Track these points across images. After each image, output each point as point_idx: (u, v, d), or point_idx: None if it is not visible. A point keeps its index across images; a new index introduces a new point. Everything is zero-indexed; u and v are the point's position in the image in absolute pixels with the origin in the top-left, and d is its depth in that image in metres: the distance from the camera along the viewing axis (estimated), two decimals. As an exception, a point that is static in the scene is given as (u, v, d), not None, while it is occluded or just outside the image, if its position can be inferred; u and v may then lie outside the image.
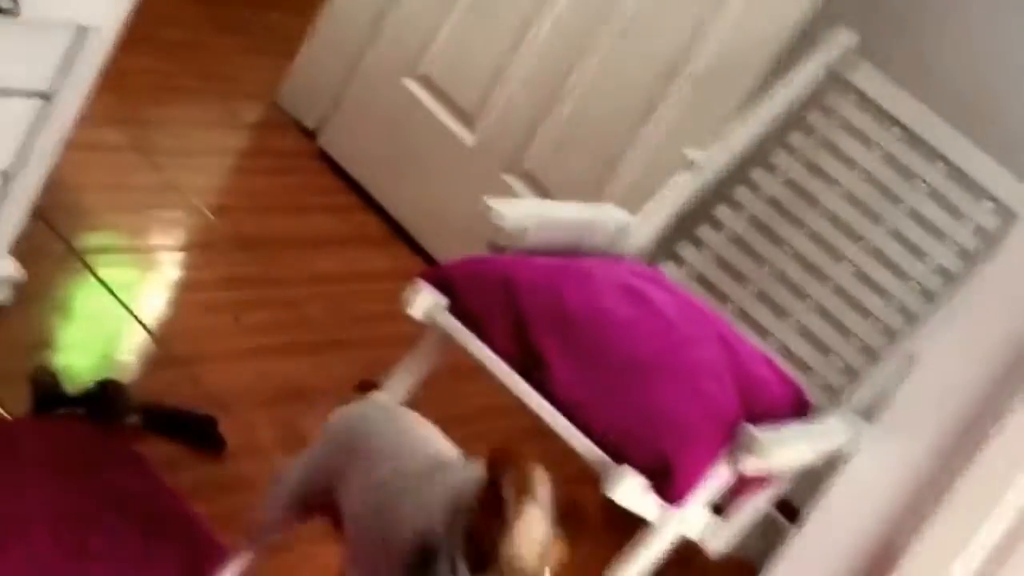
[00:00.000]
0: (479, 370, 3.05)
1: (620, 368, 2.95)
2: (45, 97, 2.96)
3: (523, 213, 3.25)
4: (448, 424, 3.64)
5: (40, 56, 2.90)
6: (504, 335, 3.01)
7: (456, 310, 3.06)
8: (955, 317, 3.03)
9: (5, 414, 3.00)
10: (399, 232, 4.42)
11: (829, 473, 3.12)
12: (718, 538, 3.19)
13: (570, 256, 3.24)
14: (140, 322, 3.48)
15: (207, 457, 3.17)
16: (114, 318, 3.47)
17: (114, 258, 3.69)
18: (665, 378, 2.96)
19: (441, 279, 3.09)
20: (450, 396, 3.71)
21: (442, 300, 3.07)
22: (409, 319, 3.16)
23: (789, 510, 3.43)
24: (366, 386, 2.77)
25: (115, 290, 3.54)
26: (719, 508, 3.20)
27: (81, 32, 2.90)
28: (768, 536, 3.34)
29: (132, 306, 3.52)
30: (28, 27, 2.80)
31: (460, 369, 3.31)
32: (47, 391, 3.07)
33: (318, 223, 4.31)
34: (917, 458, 2.98)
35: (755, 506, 3.22)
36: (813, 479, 3.13)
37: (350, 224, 4.39)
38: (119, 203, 3.91)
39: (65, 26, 2.88)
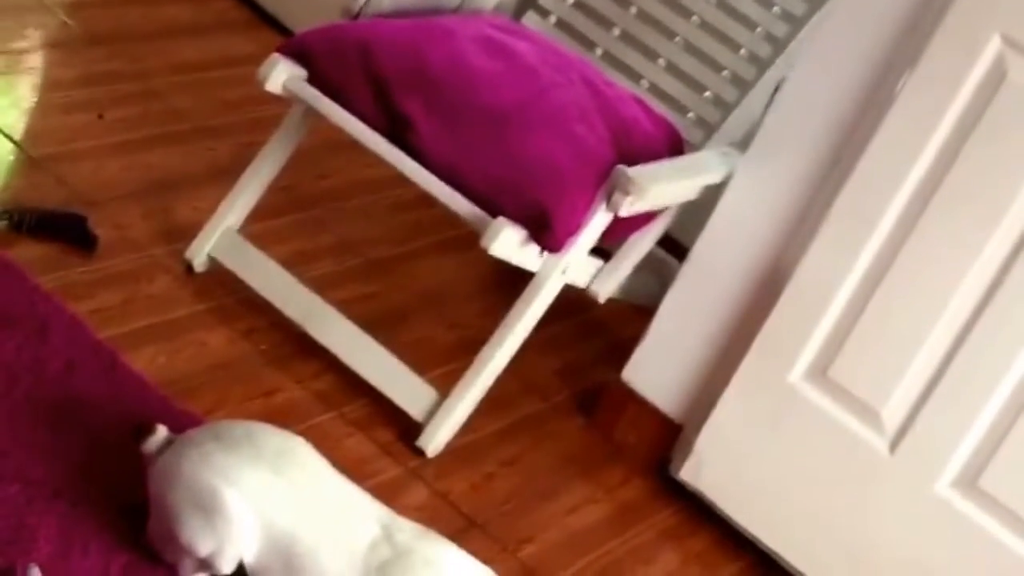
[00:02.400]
0: (352, 145, 3.01)
1: (486, 121, 2.91)
2: None
3: (374, -25, 3.18)
4: (324, 200, 3.63)
5: None
6: (366, 101, 2.96)
7: (316, 80, 3.01)
8: (816, 36, 3.01)
9: None
10: (262, 16, 4.33)
11: (711, 208, 3.14)
12: (605, 283, 3.20)
13: (428, 15, 3.18)
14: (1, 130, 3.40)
15: (80, 256, 3.12)
16: (-27, 128, 3.40)
17: (-33, 67, 3.60)
18: (532, 126, 2.93)
19: (298, 51, 3.03)
20: (325, 172, 3.69)
21: (300, 71, 3.01)
22: (279, 101, 3.12)
23: (676, 247, 3.44)
24: (144, 430, 2.47)
25: (-29, 99, 3.46)
26: (604, 252, 3.20)
27: None
28: (658, 276, 3.36)
29: (-9, 114, 3.44)
30: None
31: (334, 145, 3.28)
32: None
33: (177, 13, 4.21)
34: (792, 179, 3.01)
35: (639, 247, 3.23)
36: (700, 217, 3.15)
37: (211, 11, 4.29)
38: (-36, 10, 3.81)
39: None
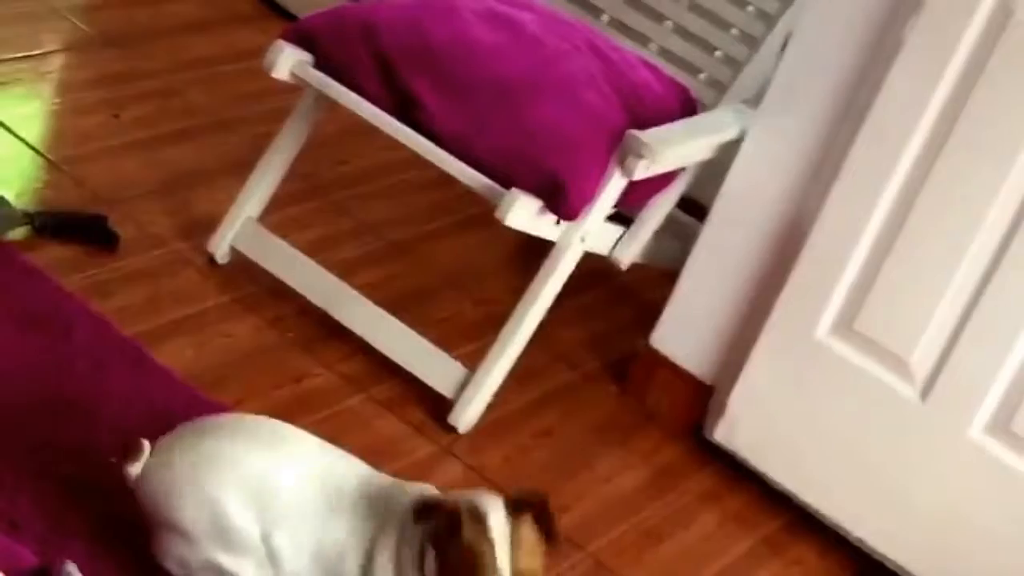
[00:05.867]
0: (368, 129, 3.01)
1: (494, 93, 2.92)
2: None
3: (376, -43, 3.18)
4: (344, 185, 3.64)
5: None
6: (373, 80, 2.97)
7: (322, 64, 3.02)
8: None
9: None
10: (271, 6, 4.34)
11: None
12: (627, 249, 3.20)
13: (432, -7, 3.19)
14: (15, 134, 3.42)
15: (103, 255, 3.14)
16: (-9, 136, 3.42)
17: (-18, 75, 3.63)
18: (541, 95, 2.93)
19: (303, 35, 3.04)
20: (343, 158, 3.70)
21: (305, 56, 3.02)
22: (292, 90, 3.13)
23: (699, 211, 3.43)
24: (132, 448, 2.35)
25: (-12, 107, 3.48)
26: (625, 219, 3.20)
27: None
28: (681, 239, 3.36)
29: (6, 119, 3.45)
30: None
31: (351, 131, 3.29)
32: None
33: (186, 9, 4.23)
34: (806, 132, 3.00)
35: (658, 211, 3.23)
36: (719, 177, 3.14)
37: (219, 5, 4.30)
38: (-26, 17, 3.83)
39: None
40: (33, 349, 2.78)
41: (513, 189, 2.82)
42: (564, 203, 2.85)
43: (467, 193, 2.96)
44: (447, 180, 2.97)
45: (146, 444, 2.34)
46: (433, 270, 3.50)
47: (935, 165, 2.81)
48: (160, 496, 2.32)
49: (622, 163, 2.87)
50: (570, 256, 2.98)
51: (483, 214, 3.01)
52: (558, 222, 2.91)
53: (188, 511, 2.30)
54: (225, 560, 2.31)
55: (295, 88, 3.12)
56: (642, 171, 2.88)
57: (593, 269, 3.16)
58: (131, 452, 2.34)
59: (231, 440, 2.35)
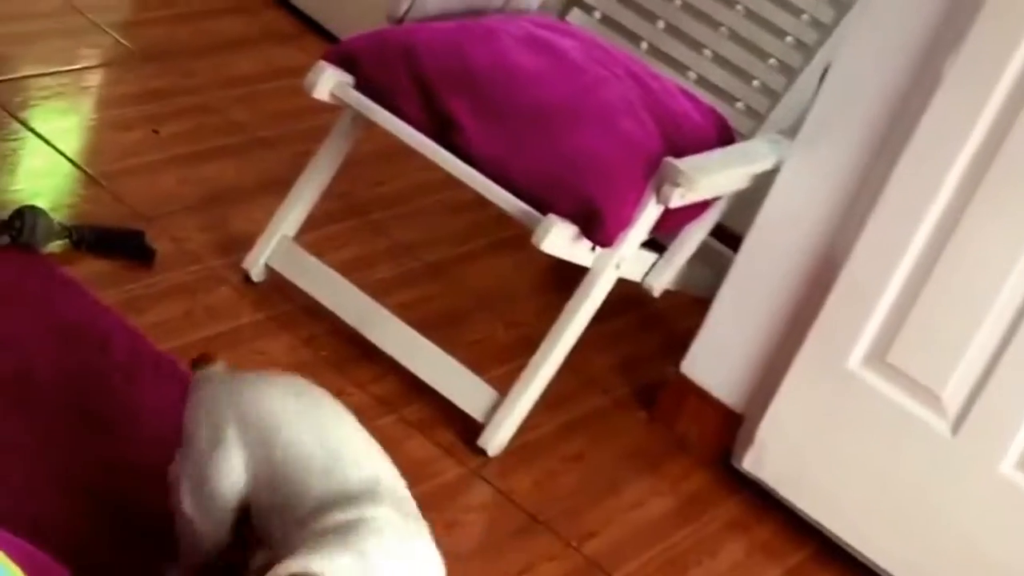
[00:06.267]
0: (405, 150, 3.03)
1: (533, 118, 2.93)
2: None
3: (416, -20, 3.21)
4: (379, 206, 3.65)
5: None
6: (413, 103, 2.98)
7: (362, 85, 3.03)
8: (863, 17, 2.99)
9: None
10: (312, 25, 4.36)
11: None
12: (659, 276, 3.21)
13: (472, 17, 3.20)
14: (56, 148, 3.44)
15: (139, 270, 3.16)
16: (31, 146, 3.43)
17: (23, 87, 3.63)
18: (580, 121, 2.94)
19: (344, 57, 3.06)
20: (380, 178, 3.71)
21: (346, 78, 3.04)
22: (332, 109, 3.15)
23: (732, 239, 3.44)
24: (204, 360, 2.42)
25: (26, 119, 3.49)
26: (658, 246, 3.21)
27: None
28: (714, 267, 3.36)
29: (47, 132, 3.48)
30: None
31: (387, 151, 3.30)
32: (-35, 226, 3.05)
33: (227, 26, 4.25)
34: (843, 164, 3.00)
35: (692, 238, 3.24)
36: (754, 205, 3.15)
37: (260, 23, 4.32)
38: (21, 32, 3.85)
39: None
40: (69, 361, 2.81)
41: (550, 215, 2.83)
42: (600, 230, 2.86)
43: (501, 215, 2.97)
44: (481, 202, 2.98)
45: (220, 361, 2.40)
46: (466, 292, 3.51)
47: (973, 198, 2.81)
48: (191, 404, 2.36)
49: (658, 191, 2.88)
50: (604, 282, 2.99)
51: (517, 236, 3.02)
52: (593, 248, 2.92)
53: (199, 427, 2.31)
54: (200, 492, 2.29)
55: (333, 107, 3.14)
56: (678, 199, 2.89)
57: (624, 294, 3.17)
58: (203, 360, 2.41)
59: (277, 389, 2.35)
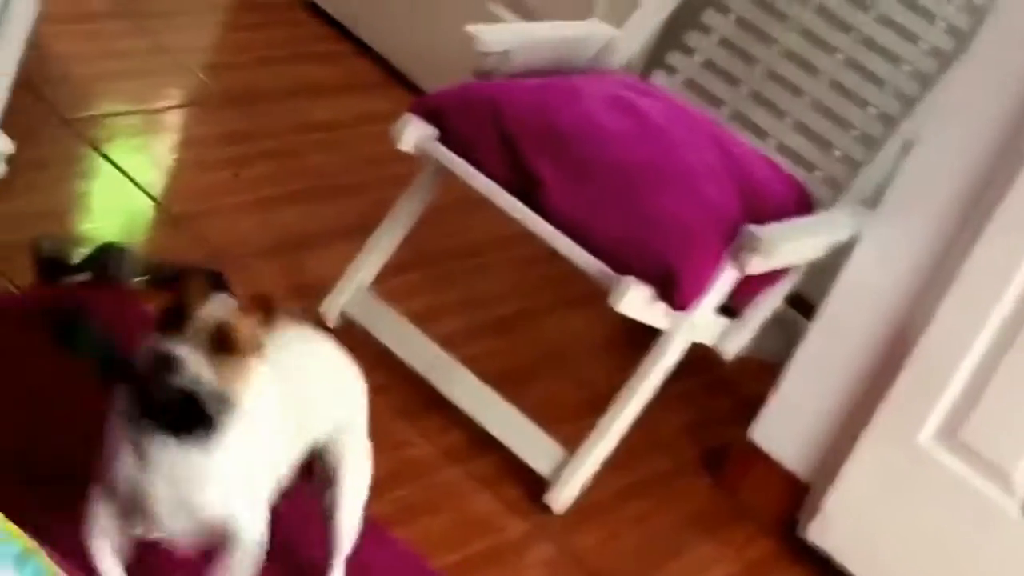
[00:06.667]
0: (481, 202, 3.05)
1: (615, 179, 2.94)
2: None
3: (505, 36, 3.23)
4: (453, 257, 3.67)
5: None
6: (496, 159, 3.00)
7: (447, 139, 3.05)
8: (949, 94, 3.00)
9: (11, 287, 3.01)
10: (394, 74, 4.39)
11: (840, 266, 3.14)
12: (732, 341, 3.20)
13: (557, 75, 3.22)
14: (138, 185, 3.48)
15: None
16: (113, 183, 3.47)
17: (108, 124, 3.68)
18: (661, 184, 2.95)
19: (430, 110, 3.08)
20: (454, 229, 3.73)
21: (431, 131, 3.06)
22: (409, 159, 3.17)
23: (805, 306, 3.44)
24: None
25: (111, 155, 3.54)
26: (731, 311, 3.21)
27: None
28: (786, 334, 3.36)
29: (130, 170, 3.52)
30: None
31: (463, 202, 3.32)
32: (50, 260, 3.07)
33: (312, 72, 4.29)
34: (922, 238, 2.99)
35: (766, 305, 3.23)
36: (828, 274, 3.15)
37: (344, 71, 4.36)
38: (109, 70, 3.90)
39: None
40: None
41: (627, 276, 2.83)
42: (677, 293, 2.86)
43: (574, 272, 2.97)
44: (554, 257, 2.99)
45: None
46: (537, 347, 3.51)
47: (1053, 278, 2.81)
48: None
49: (736, 257, 2.88)
50: (677, 346, 2.99)
51: (589, 293, 3.02)
52: (669, 311, 2.92)
53: None
54: None
55: (413, 156, 3.15)
56: (755, 266, 2.89)
57: (695, 355, 3.16)
58: None
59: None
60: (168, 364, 2.12)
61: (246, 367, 2.20)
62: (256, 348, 2.21)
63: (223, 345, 2.16)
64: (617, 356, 3.43)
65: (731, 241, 2.90)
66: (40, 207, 3.30)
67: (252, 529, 2.30)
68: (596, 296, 2.93)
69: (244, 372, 2.19)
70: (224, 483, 2.25)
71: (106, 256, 3.10)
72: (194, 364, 2.13)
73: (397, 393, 3.16)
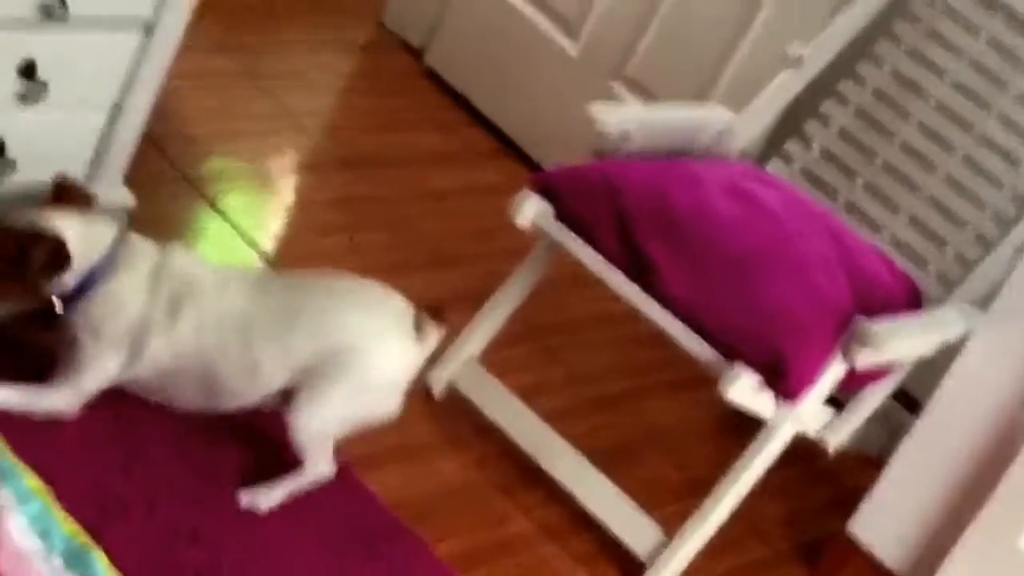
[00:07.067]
0: (591, 279, 3.06)
1: (729, 266, 2.95)
2: (147, 27, 2.99)
3: (625, 117, 3.25)
4: (559, 332, 3.68)
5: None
6: (611, 239, 3.02)
7: (563, 216, 3.08)
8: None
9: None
10: (509, 146, 4.43)
11: (947, 363, 3.12)
12: (837, 433, 3.19)
13: (675, 158, 3.24)
14: (253, 244, 3.53)
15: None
16: (229, 242, 3.52)
17: (228, 182, 3.74)
18: (775, 274, 2.95)
19: (547, 187, 3.10)
20: (562, 304, 3.74)
21: (548, 207, 3.08)
22: (521, 232, 3.19)
23: (909, 401, 3.43)
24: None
25: (229, 213, 3.59)
26: (835, 402, 3.20)
27: (180, -40, 2.94)
28: (888, 428, 3.34)
29: (246, 229, 3.57)
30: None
31: (572, 278, 3.34)
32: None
33: (428, 140, 4.33)
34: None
35: (872, 399, 3.22)
36: (932, 369, 3.13)
37: (460, 140, 4.40)
38: (231, 128, 3.95)
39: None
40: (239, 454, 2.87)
41: (737, 364, 2.84)
42: (786, 383, 2.86)
43: (679, 353, 2.97)
44: (661, 338, 2.99)
45: None
46: (639, 427, 3.52)
47: None
48: None
49: (846, 350, 2.88)
50: (782, 436, 2.98)
51: (694, 376, 3.03)
52: (776, 401, 2.92)
53: None
54: None
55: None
56: (865, 360, 2.88)
57: (796, 444, 3.15)
58: None
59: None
60: None
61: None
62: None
63: None
64: (719, 440, 3.44)
65: (842, 333, 2.90)
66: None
67: None
68: (700, 379, 2.93)
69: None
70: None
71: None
72: None
73: (498, 467, 3.18)
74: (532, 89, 4.39)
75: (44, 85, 2.90)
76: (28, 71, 2.87)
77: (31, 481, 2.07)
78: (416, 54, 4.65)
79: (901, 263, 3.32)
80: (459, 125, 4.46)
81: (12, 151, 2.96)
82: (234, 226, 3.56)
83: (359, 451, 3.01)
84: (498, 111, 4.47)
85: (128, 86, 3.05)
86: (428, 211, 3.98)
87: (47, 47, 2.87)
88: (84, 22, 2.88)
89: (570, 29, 4.34)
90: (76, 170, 3.11)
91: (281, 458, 2.80)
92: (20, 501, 2.02)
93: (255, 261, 3.49)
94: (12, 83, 2.87)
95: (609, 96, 4.18)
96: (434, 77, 4.59)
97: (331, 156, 4.05)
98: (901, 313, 3.09)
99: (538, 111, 4.36)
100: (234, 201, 3.66)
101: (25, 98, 2.91)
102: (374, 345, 2.79)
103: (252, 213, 3.68)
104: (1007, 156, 3.33)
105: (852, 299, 3.00)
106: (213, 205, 3.59)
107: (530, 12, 4.41)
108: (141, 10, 2.96)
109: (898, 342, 2.94)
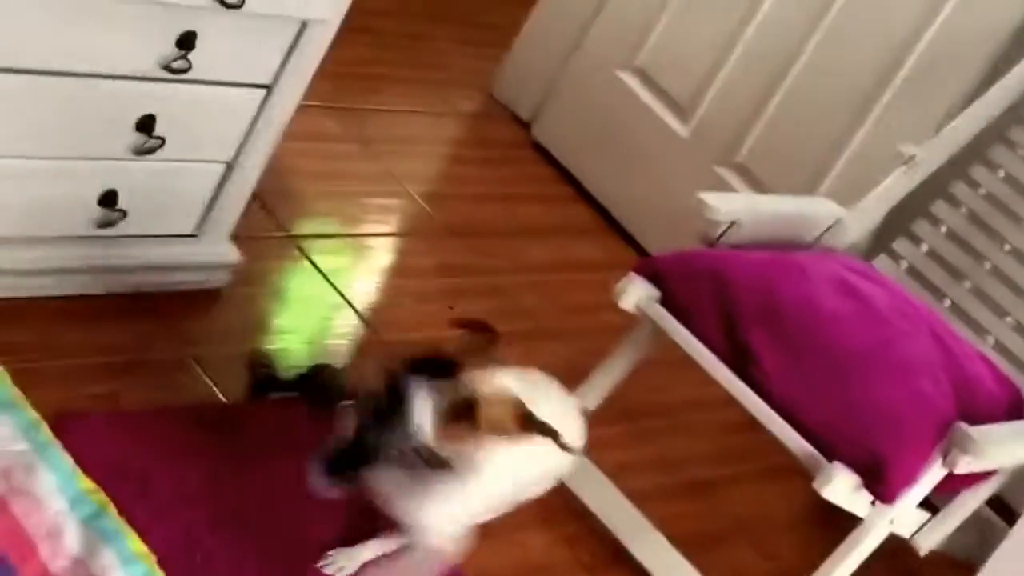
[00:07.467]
0: (687, 362, 3.05)
1: (831, 363, 2.93)
2: (267, 88, 3.02)
3: (735, 207, 3.25)
4: (653, 414, 3.67)
5: (264, 48, 2.96)
6: (714, 328, 3.01)
7: (667, 302, 3.07)
8: None
9: (222, 397, 3.07)
10: (611, 222, 4.43)
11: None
12: (929, 536, 3.15)
13: (782, 250, 3.23)
14: (354, 308, 3.54)
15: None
16: (329, 303, 3.54)
17: (330, 244, 3.76)
18: (877, 373, 2.93)
19: (652, 271, 3.10)
20: (657, 386, 3.73)
21: (653, 292, 3.08)
22: (619, 310, 3.19)
23: (1004, 509, 3.38)
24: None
25: (330, 276, 3.60)
26: (929, 504, 3.16)
27: (304, 25, 2.96)
28: (981, 534, 3.30)
29: (346, 292, 3.58)
30: (253, 20, 2.87)
31: (669, 360, 3.32)
32: (263, 375, 3.13)
33: (531, 212, 4.35)
34: None
35: (967, 504, 3.18)
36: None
37: (562, 214, 4.41)
38: (336, 190, 3.98)
39: (289, 19, 2.94)
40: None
41: (835, 462, 2.82)
42: (883, 485, 2.83)
43: (772, 443, 2.95)
44: (753, 426, 2.97)
45: None
46: (727, 515, 3.49)
47: None
48: None
49: (946, 455, 2.85)
50: (875, 537, 2.95)
51: (786, 466, 3.00)
52: (873, 502, 2.89)
53: None
54: None
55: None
56: (964, 466, 2.85)
57: (885, 542, 3.11)
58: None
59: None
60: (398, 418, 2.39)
61: (478, 440, 2.42)
62: (497, 431, 2.42)
63: (465, 416, 2.40)
64: (807, 533, 3.41)
65: (942, 437, 2.87)
66: (255, 321, 3.38)
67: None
68: (792, 470, 2.91)
69: (475, 443, 2.44)
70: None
71: (318, 376, 3.15)
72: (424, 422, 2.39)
73: (585, 546, 3.16)
74: (638, 168, 4.39)
75: (161, 140, 2.93)
76: (146, 125, 2.91)
77: (135, 544, 2.08)
78: (524, 126, 4.67)
79: (1005, 368, 3.29)
80: (562, 199, 4.47)
81: (123, 202, 3.00)
82: (335, 287, 3.57)
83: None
84: (602, 188, 4.48)
85: (244, 144, 3.09)
86: (528, 284, 3.98)
87: (167, 103, 2.90)
88: (207, 80, 2.92)
89: (681, 112, 4.35)
90: (186, 225, 3.14)
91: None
92: (123, 563, 2.03)
93: (354, 324, 3.50)
94: (129, 136, 2.91)
95: (716, 180, 4.17)
96: (540, 150, 4.60)
97: (433, 223, 4.07)
98: (1003, 419, 3.06)
99: (642, 190, 4.37)
100: (334, 261, 3.68)
101: (140, 152, 2.94)
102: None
103: (352, 275, 3.70)
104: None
105: (954, 403, 2.97)
106: (315, 265, 3.61)
107: (642, 93, 4.42)
108: (262, 77, 2.99)
109: (999, 449, 2.91)
